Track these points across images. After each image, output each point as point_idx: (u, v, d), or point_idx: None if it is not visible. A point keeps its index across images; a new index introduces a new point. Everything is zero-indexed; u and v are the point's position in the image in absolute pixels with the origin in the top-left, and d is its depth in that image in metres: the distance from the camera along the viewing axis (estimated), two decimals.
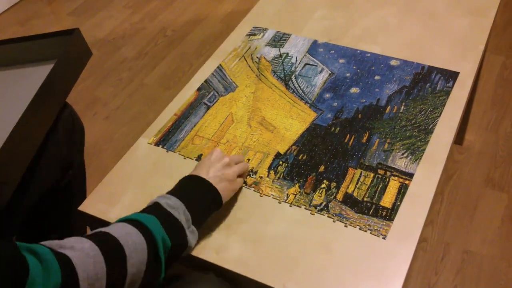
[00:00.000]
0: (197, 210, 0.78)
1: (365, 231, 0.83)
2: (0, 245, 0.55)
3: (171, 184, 0.93)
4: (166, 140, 1.01)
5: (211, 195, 0.81)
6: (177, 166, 0.96)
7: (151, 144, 1.01)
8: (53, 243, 0.62)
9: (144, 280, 0.69)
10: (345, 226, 0.84)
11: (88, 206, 0.91)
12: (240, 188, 0.90)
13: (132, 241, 0.68)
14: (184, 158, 0.97)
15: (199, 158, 0.97)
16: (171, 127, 1.04)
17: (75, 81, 1.05)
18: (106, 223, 0.88)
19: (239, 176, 0.88)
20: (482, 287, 1.34)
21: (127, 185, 0.94)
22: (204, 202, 0.81)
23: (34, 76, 1.01)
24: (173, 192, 0.80)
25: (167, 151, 0.99)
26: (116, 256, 0.66)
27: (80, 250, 0.62)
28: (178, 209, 0.75)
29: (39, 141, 0.94)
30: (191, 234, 0.77)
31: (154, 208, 0.76)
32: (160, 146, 1.00)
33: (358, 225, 0.84)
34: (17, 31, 2.39)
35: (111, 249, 0.66)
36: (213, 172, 0.83)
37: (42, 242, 0.62)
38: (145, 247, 0.68)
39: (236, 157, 0.91)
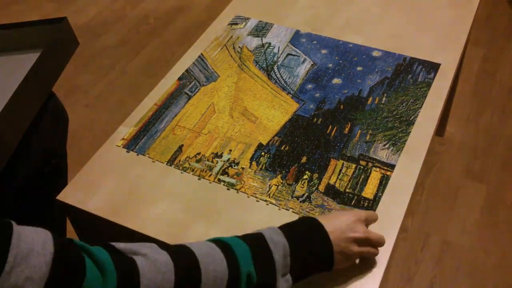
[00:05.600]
0: (302, 261, 0.68)
1: None
2: (60, 246, 0.52)
3: (151, 174, 0.92)
4: (146, 130, 1.00)
5: (325, 254, 0.70)
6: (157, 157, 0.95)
7: (126, 139, 0.99)
8: (127, 246, 0.59)
9: None
10: None
11: (67, 196, 0.90)
12: None
13: (213, 268, 0.61)
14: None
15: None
16: (151, 117, 1.02)
17: (61, 71, 1.04)
18: (84, 213, 0.87)
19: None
20: (461, 277, 1.36)
21: (107, 174, 0.93)
22: (314, 257, 0.70)
23: (20, 64, 1.00)
24: (286, 229, 0.70)
25: (146, 142, 0.98)
26: (189, 280, 0.60)
27: (153, 260, 0.58)
28: (280, 251, 0.66)
29: (23, 130, 0.93)
30: (285, 283, 0.66)
31: (254, 238, 0.67)
32: (141, 136, 0.99)
33: None
34: None
35: (186, 270, 0.60)
36: (339, 237, 0.71)
37: (116, 244, 0.58)
38: (225, 278, 0.62)
39: (374, 237, 0.76)
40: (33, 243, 0.50)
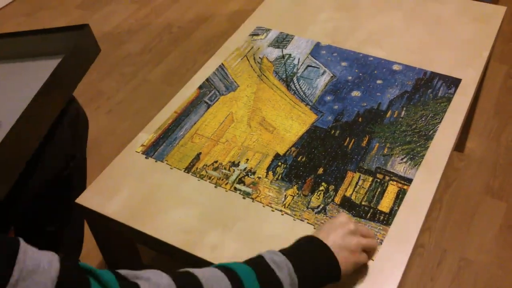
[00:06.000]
0: (307, 276, 0.68)
1: None
2: (65, 266, 0.53)
3: (168, 181, 0.93)
4: (165, 137, 1.01)
5: (328, 263, 0.71)
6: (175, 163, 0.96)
7: (146, 145, 1.01)
8: (130, 273, 0.59)
9: None
10: None
11: (86, 199, 0.91)
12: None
13: None
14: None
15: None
16: (171, 125, 1.04)
17: (82, 76, 1.06)
18: (102, 217, 0.89)
19: (365, 251, 0.77)
20: None
21: (125, 180, 0.94)
22: (318, 269, 0.70)
23: (42, 70, 1.02)
24: (284, 250, 0.71)
25: (165, 149, 0.99)
26: None
27: (155, 284, 0.58)
28: (283, 269, 0.66)
29: (42, 134, 0.95)
30: None
31: (255, 261, 0.68)
32: (160, 143, 1.00)
33: None
34: (24, 22, 2.39)
35: None
36: (334, 238, 0.73)
37: (119, 270, 0.59)
38: None
39: (364, 228, 0.80)
40: (40, 260, 0.51)
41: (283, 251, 0.70)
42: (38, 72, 1.06)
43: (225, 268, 0.65)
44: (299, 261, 0.68)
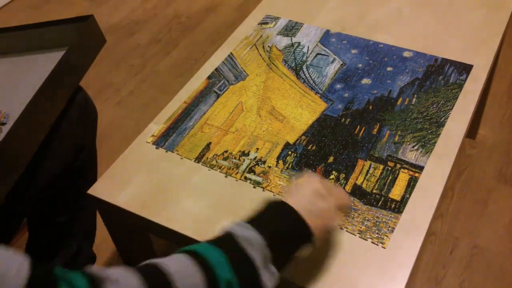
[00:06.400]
0: (280, 247, 0.66)
1: (373, 223, 0.83)
2: (36, 272, 0.51)
3: (179, 171, 0.93)
4: (175, 127, 1.01)
5: (301, 231, 0.68)
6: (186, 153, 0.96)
7: (156, 135, 1.01)
8: (99, 271, 0.57)
9: None
10: (352, 218, 0.84)
11: (97, 190, 0.92)
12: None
13: (189, 283, 0.58)
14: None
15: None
16: (180, 115, 1.04)
17: (88, 67, 1.06)
18: (114, 207, 0.89)
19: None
20: (490, 282, 1.33)
21: (136, 170, 0.94)
22: (291, 239, 0.68)
23: (48, 62, 1.02)
24: (254, 222, 0.67)
25: (175, 139, 0.99)
26: None
27: (124, 286, 0.56)
28: (254, 246, 0.63)
29: (48, 125, 0.95)
30: (270, 275, 0.64)
31: (226, 240, 0.65)
32: (170, 133, 1.00)
33: (366, 217, 0.84)
34: (31, 15, 2.40)
35: None
36: (302, 200, 0.70)
37: (88, 270, 0.57)
38: None
39: (333, 188, 0.76)
40: (7, 268, 0.49)
41: (253, 222, 0.67)
42: (44, 64, 1.06)
43: (195, 255, 0.61)
44: (270, 234, 0.65)
